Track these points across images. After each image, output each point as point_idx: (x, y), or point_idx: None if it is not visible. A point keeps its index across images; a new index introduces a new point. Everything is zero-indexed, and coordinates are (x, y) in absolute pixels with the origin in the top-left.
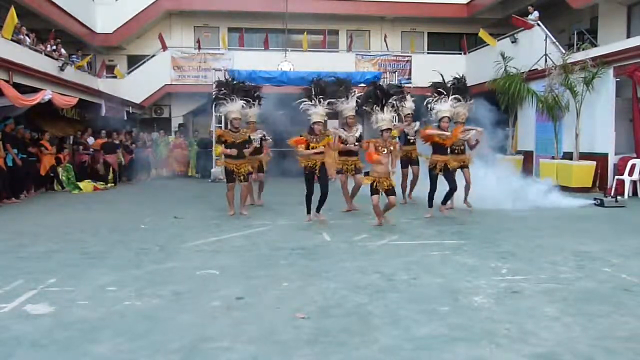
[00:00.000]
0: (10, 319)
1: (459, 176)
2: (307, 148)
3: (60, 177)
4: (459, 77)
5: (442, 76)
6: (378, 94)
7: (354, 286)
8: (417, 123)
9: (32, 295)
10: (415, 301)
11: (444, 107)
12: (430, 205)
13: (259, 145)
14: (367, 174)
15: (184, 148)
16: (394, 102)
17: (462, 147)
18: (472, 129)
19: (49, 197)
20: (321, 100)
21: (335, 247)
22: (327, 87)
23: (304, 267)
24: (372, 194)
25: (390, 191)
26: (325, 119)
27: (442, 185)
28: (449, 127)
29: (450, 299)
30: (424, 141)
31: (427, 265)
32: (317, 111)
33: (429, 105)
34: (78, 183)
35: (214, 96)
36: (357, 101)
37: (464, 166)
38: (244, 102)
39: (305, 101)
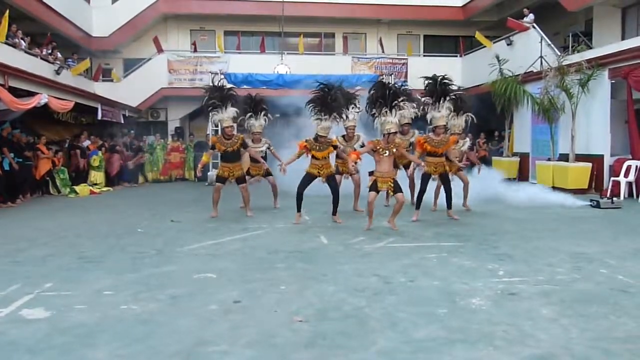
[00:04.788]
0: (7, 324)
1: (456, 180)
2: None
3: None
4: (456, 88)
5: (436, 80)
6: (387, 95)
7: (352, 289)
8: (416, 131)
9: (28, 300)
10: (413, 304)
11: (439, 114)
12: (418, 207)
13: (264, 155)
14: (370, 173)
15: (180, 151)
16: (401, 105)
17: (457, 158)
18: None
19: (45, 201)
20: (328, 114)
21: (332, 250)
22: (336, 101)
23: (302, 270)
24: (370, 190)
25: (396, 189)
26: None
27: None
28: (444, 135)
29: (448, 301)
30: (419, 151)
31: (424, 268)
32: (324, 125)
33: (425, 109)
34: (74, 187)
35: (204, 103)
36: (358, 111)
37: (458, 169)
38: (252, 114)
39: (313, 109)
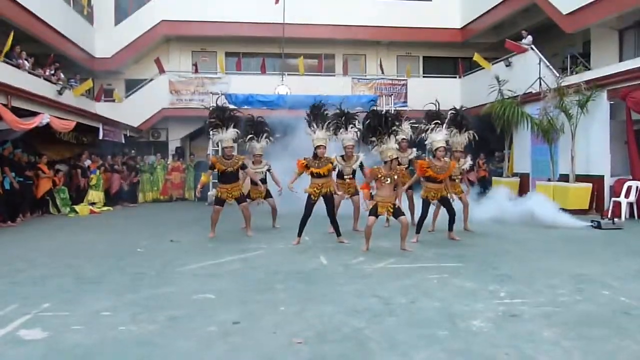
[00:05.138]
0: (4, 344)
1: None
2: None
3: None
4: (457, 108)
5: (436, 105)
6: (382, 124)
7: (352, 310)
8: (414, 149)
9: (26, 321)
10: (413, 325)
11: (439, 136)
12: (418, 231)
13: (264, 176)
14: (371, 197)
15: (181, 171)
16: (396, 130)
17: (459, 177)
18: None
19: (45, 220)
20: (320, 125)
21: (332, 271)
22: (325, 114)
23: (301, 291)
24: (370, 214)
25: (397, 213)
26: (327, 140)
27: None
28: (445, 156)
29: (449, 323)
30: (419, 174)
31: (425, 289)
32: (319, 136)
33: (424, 135)
34: (74, 206)
35: (207, 123)
36: (357, 130)
37: (458, 192)
38: (253, 136)
39: (307, 125)
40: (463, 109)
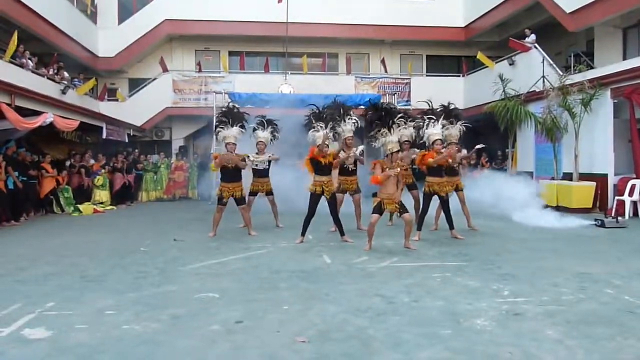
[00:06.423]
0: (8, 343)
1: (453, 199)
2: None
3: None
4: (446, 104)
5: (429, 103)
6: (384, 116)
7: (355, 309)
8: (417, 150)
9: (29, 319)
10: (416, 324)
11: (435, 130)
12: (419, 227)
13: (267, 167)
14: (374, 195)
15: (185, 170)
16: (399, 122)
17: (456, 168)
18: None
19: (49, 219)
20: (323, 126)
21: (335, 270)
22: (327, 115)
23: (304, 290)
24: (373, 212)
25: (402, 210)
26: (330, 140)
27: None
28: (442, 149)
29: (452, 321)
30: (421, 167)
31: (428, 288)
32: (321, 134)
33: (421, 131)
34: (78, 205)
35: (215, 122)
36: (356, 123)
37: (458, 189)
38: (258, 127)
39: (309, 127)
40: (452, 106)
